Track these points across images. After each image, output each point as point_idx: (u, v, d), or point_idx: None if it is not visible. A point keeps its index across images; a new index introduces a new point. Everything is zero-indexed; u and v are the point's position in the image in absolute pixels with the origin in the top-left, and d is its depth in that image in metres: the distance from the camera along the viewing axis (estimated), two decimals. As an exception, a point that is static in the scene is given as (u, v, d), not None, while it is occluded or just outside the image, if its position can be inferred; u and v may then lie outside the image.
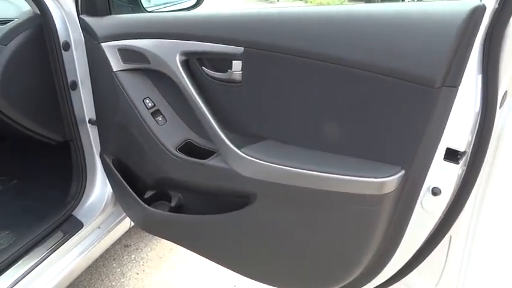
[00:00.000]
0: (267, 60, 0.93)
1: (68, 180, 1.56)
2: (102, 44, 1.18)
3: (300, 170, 0.87)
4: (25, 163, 1.89)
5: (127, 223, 1.68)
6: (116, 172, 1.31)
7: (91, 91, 1.37)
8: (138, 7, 1.33)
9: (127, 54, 1.14)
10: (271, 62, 0.93)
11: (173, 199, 1.25)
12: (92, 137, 1.47)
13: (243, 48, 0.95)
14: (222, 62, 1.02)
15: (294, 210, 0.95)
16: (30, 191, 1.77)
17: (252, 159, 0.95)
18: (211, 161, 1.03)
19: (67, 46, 1.34)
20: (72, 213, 1.51)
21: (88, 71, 1.35)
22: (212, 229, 1.14)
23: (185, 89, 1.05)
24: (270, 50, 0.91)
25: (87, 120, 1.44)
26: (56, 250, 1.37)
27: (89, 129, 1.46)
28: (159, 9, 1.43)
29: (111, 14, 1.26)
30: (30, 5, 1.32)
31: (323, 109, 0.91)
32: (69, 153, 1.50)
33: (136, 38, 1.12)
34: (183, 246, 1.28)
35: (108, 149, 1.37)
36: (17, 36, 1.27)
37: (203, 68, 1.05)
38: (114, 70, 1.16)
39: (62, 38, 1.32)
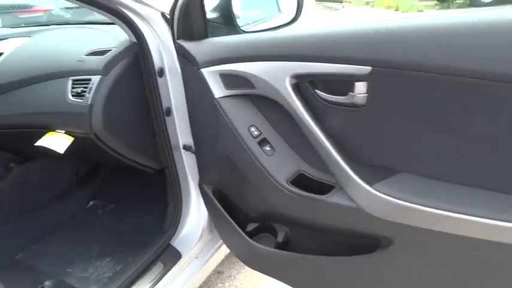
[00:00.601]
0: (401, 81, 0.77)
1: (162, 207, 1.52)
2: (202, 69, 1.10)
3: (460, 215, 0.70)
4: (121, 188, 1.90)
5: (223, 252, 1.61)
6: (217, 204, 1.22)
7: (185, 117, 1.32)
8: (232, 28, 1.25)
9: (230, 79, 1.05)
10: (407, 82, 0.77)
11: (279, 234, 1.13)
12: (186, 164, 1.42)
13: (370, 67, 0.80)
14: (340, 84, 0.88)
15: (447, 263, 0.78)
16: (127, 217, 1.77)
17: (387, 197, 0.79)
18: (332, 197, 0.90)
19: (161, 72, 1.30)
20: (170, 242, 1.46)
21: (183, 97, 1.30)
22: (329, 272, 1.00)
23: (297, 115, 0.93)
24: (407, 68, 0.75)
25: (181, 146, 1.39)
26: (158, 283, 1.32)
27: (183, 155, 1.41)
28: (253, 28, 1.33)
29: (207, 37, 1.19)
30: (127, 34, 1.30)
31: (479, 135, 0.73)
32: (163, 180, 1.46)
33: (239, 62, 1.02)
34: (292, 286, 1.15)
35: (207, 178, 1.29)
36: (116, 66, 1.25)
37: (316, 91, 0.92)
38: (216, 97, 1.07)
39: (157, 65, 1.28)
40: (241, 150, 1.05)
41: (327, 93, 0.91)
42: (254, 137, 1.03)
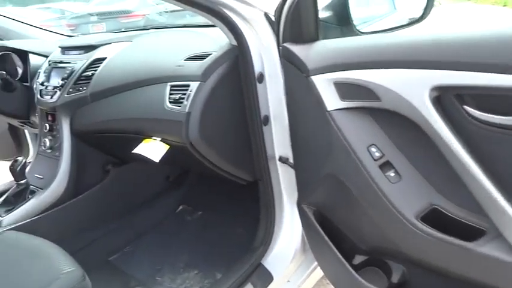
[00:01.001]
0: None
1: (253, 220, 1.41)
2: (312, 77, 0.95)
3: None
4: (210, 196, 1.84)
5: (317, 275, 1.45)
6: (319, 229, 1.07)
7: (284, 127, 1.19)
8: (347, 28, 1.08)
9: (347, 89, 0.88)
10: None
11: (394, 273, 0.95)
12: (281, 177, 1.29)
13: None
14: (502, 100, 0.68)
15: None
16: (216, 226, 1.70)
17: None
18: (484, 247, 0.69)
19: (261, 78, 1.18)
20: (261, 261, 1.35)
21: (282, 105, 1.17)
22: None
23: (437, 136, 0.74)
24: None
25: (277, 158, 1.26)
26: (247, 308, 1.21)
27: (279, 168, 1.29)
28: (369, 29, 1.15)
29: (318, 39, 1.04)
30: (227, 37, 1.20)
31: None
32: (254, 191, 1.35)
33: (359, 69, 0.86)
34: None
35: (308, 198, 1.15)
36: (215, 71, 1.16)
37: (466, 107, 0.72)
38: (329, 109, 0.92)
39: (256, 70, 1.16)
40: (356, 173, 0.89)
41: (481, 111, 0.70)
42: (375, 159, 0.86)
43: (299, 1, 0.99)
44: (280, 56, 1.11)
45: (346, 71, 0.88)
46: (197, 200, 1.84)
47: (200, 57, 1.20)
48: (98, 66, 1.43)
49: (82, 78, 1.44)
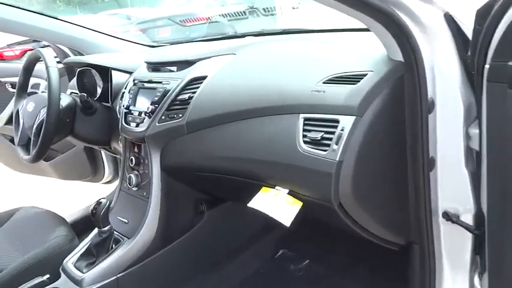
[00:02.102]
0: None
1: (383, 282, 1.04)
2: None
3: None
4: (317, 241, 1.48)
5: None
6: None
7: (453, 171, 0.85)
8: None
9: None
10: None
11: None
12: (442, 237, 0.92)
13: None
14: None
15: None
16: (331, 285, 1.34)
17: None
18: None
19: (432, 106, 0.81)
20: None
21: (452, 141, 0.82)
22: None
23: None
24: None
25: (440, 213, 0.89)
26: None
27: (441, 225, 0.91)
28: None
29: None
30: (387, 48, 0.84)
31: None
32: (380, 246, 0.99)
33: None
34: None
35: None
36: (375, 101, 0.80)
37: None
38: None
39: (428, 95, 0.80)
40: None
41: None
42: None
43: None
44: (486, 79, 0.72)
45: None
46: (301, 245, 1.49)
47: (348, 79, 0.84)
48: (197, 88, 1.12)
49: (177, 102, 1.14)
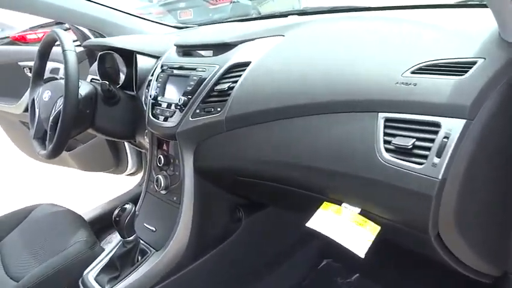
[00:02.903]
0: None
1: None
2: None
3: None
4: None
5: None
6: None
7: None
8: None
9: None
10: None
11: None
12: None
13: None
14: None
15: None
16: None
17: None
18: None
19: None
20: None
21: None
22: None
23: None
24: None
25: None
26: None
27: None
28: None
29: None
30: (503, 31, 0.62)
31: None
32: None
33: None
34: None
35: None
36: (488, 100, 0.59)
37: None
38: None
39: None
40: None
41: None
42: None
43: None
44: None
45: None
46: (349, 255, 1.30)
47: (449, 68, 0.62)
48: (239, 76, 0.92)
49: (214, 93, 0.94)
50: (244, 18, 1.40)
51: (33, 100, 1.27)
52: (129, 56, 1.27)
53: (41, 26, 5.40)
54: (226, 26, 1.38)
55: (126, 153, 1.91)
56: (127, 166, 1.95)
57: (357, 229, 0.68)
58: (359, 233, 0.67)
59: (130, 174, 2.01)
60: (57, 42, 1.17)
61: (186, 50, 1.10)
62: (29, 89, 1.85)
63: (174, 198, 1.05)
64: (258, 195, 1.05)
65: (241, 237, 1.10)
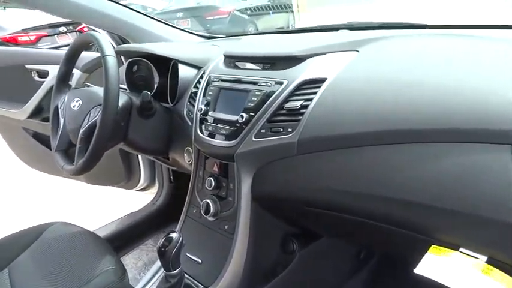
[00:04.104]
0: None
1: None
2: None
3: None
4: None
5: None
6: None
7: None
8: None
9: None
10: None
11: None
12: None
13: None
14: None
15: None
16: None
17: None
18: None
19: None
20: None
21: None
22: None
23: None
24: None
25: None
26: None
27: None
28: None
29: None
30: None
31: None
32: None
33: None
34: None
35: None
36: None
37: None
38: None
39: None
40: None
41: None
42: None
43: None
44: None
45: None
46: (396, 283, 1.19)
47: None
48: (313, 93, 0.80)
49: (282, 112, 0.82)
50: (284, 30, 1.29)
51: (57, 108, 1.12)
52: (162, 64, 1.14)
53: (34, 28, 5.16)
54: (277, 37, 1.26)
55: (139, 166, 1.76)
56: (139, 180, 1.79)
57: (485, 281, 0.57)
58: (490, 285, 0.56)
59: (141, 190, 1.85)
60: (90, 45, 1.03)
61: (239, 62, 0.98)
62: (38, 93, 1.68)
63: (226, 227, 0.91)
64: (329, 229, 0.93)
65: (294, 272, 0.98)
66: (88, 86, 1.18)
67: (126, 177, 1.78)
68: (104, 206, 2.18)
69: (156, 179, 1.82)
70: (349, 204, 0.75)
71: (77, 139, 1.01)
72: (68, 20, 7.09)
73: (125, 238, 1.61)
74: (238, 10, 5.84)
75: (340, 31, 1.16)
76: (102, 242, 1.11)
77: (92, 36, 1.00)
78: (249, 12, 6.16)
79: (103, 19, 1.37)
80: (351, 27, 1.18)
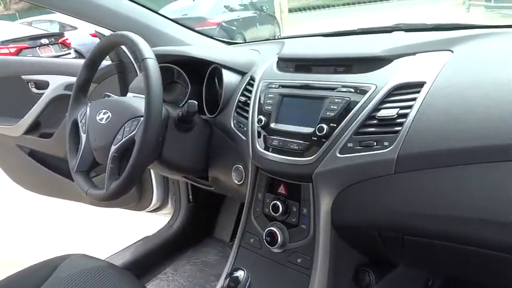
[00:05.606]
0: None
1: None
2: None
3: None
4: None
5: None
6: None
7: None
8: None
9: None
10: None
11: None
12: None
13: None
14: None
15: None
16: None
17: None
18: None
19: None
20: None
21: None
22: None
23: None
24: None
25: None
26: None
27: None
28: None
29: None
30: None
31: None
32: None
33: None
34: None
35: None
36: None
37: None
38: None
39: None
40: None
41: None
42: None
43: None
44: None
45: None
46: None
47: None
48: (411, 100, 0.66)
49: (374, 122, 0.68)
50: (328, 33, 1.15)
51: (76, 122, 0.93)
52: (193, 71, 0.99)
53: (13, 41, 4.87)
54: (326, 40, 1.12)
55: (151, 184, 1.57)
56: (151, 200, 1.60)
57: None
58: None
59: (153, 211, 1.66)
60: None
61: (304, 65, 0.83)
62: (36, 107, 1.48)
63: (299, 260, 0.75)
64: (419, 258, 0.78)
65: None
66: (109, 96, 1.00)
67: (137, 197, 1.59)
68: (110, 230, 1.97)
69: (169, 198, 1.63)
70: (455, 232, 0.61)
71: (107, 158, 0.83)
72: (49, 32, 6.77)
73: (141, 266, 1.41)
74: (226, 22, 5.76)
75: (394, 33, 1.03)
76: (130, 278, 0.92)
77: (125, 37, 0.83)
78: (236, 23, 6.09)
79: (113, 18, 1.20)
80: (406, 29, 1.06)
